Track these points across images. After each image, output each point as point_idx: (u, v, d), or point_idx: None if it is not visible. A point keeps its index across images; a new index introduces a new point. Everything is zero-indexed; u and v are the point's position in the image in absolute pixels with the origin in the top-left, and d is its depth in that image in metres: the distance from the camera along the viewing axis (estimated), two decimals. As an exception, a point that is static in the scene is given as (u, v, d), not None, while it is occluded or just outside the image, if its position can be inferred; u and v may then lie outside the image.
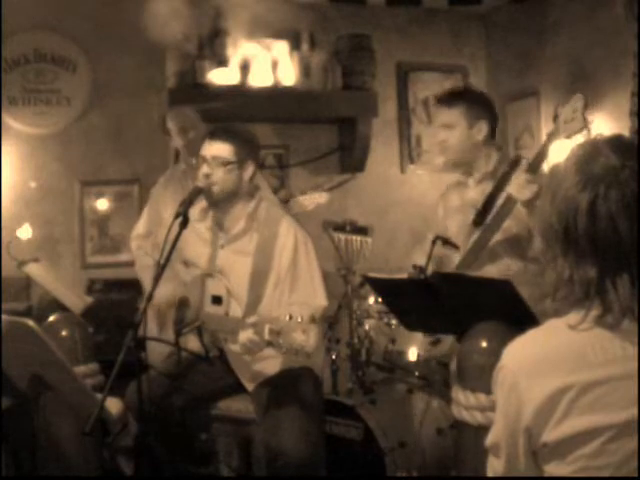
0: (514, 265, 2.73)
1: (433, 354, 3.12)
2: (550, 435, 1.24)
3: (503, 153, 2.95)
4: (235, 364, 2.73)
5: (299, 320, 2.22)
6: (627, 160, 1.25)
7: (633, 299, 1.22)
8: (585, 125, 2.56)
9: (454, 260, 2.86)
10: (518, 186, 2.56)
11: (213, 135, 2.72)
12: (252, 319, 2.41)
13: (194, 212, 2.71)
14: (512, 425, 1.28)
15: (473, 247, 2.75)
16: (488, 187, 2.77)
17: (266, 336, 2.28)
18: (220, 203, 2.73)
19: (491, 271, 2.71)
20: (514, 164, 2.72)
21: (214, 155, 2.66)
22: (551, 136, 2.65)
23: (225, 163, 2.66)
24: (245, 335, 2.39)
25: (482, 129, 2.83)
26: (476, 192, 2.85)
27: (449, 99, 2.89)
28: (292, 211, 3.26)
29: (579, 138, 2.54)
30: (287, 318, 2.24)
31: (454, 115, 2.84)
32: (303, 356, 2.26)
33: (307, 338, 2.20)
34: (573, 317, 1.27)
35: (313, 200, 3.09)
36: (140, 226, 3.55)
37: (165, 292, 2.64)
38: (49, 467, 2.30)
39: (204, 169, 2.66)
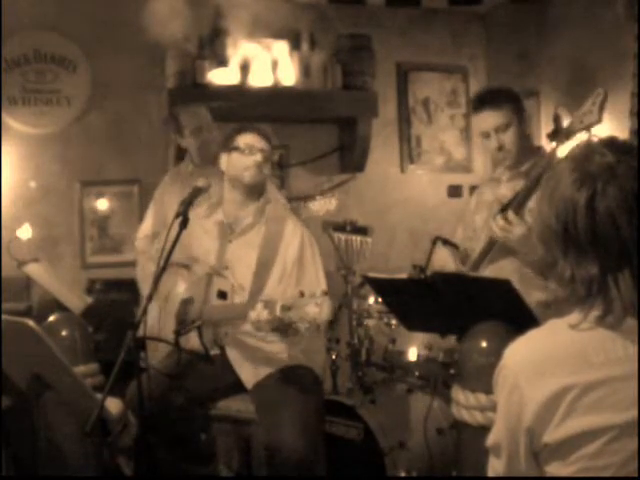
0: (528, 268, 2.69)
1: (441, 347, 3.10)
2: (551, 435, 1.24)
3: (542, 151, 2.83)
4: (235, 362, 2.73)
5: (311, 295, 2.23)
6: (622, 156, 1.25)
7: (635, 295, 1.22)
8: (599, 119, 2.52)
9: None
10: (502, 228, 2.56)
11: (246, 129, 2.87)
12: (263, 298, 2.42)
13: (202, 208, 2.81)
14: (513, 425, 1.28)
15: (488, 242, 2.71)
16: (519, 186, 2.68)
17: (277, 312, 2.28)
18: (254, 191, 2.85)
19: (506, 268, 2.66)
20: (547, 166, 2.60)
21: (260, 147, 2.80)
22: (566, 131, 2.61)
23: (266, 151, 2.81)
24: (256, 313, 2.38)
25: (528, 122, 2.77)
26: (507, 189, 2.78)
27: (493, 100, 2.75)
28: (301, 217, 3.27)
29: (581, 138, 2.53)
30: (299, 295, 2.25)
31: (505, 115, 2.72)
32: (314, 328, 2.26)
33: (320, 310, 2.21)
34: (574, 317, 1.27)
35: (323, 207, 3.10)
36: (146, 227, 3.54)
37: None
38: (49, 467, 2.29)
39: (257, 157, 2.78)
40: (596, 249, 1.24)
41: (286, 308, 2.26)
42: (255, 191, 2.86)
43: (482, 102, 2.79)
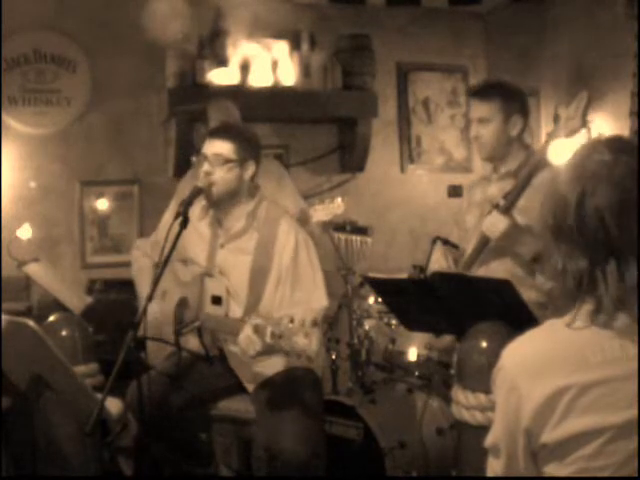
0: (518, 269, 2.70)
1: (436, 346, 3.11)
2: (549, 436, 1.24)
3: (530, 152, 2.83)
4: (235, 364, 2.73)
5: (301, 324, 2.21)
6: (621, 155, 1.26)
7: (623, 291, 1.22)
8: (583, 124, 2.54)
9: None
10: (490, 224, 2.60)
11: (214, 133, 2.73)
12: (254, 320, 2.40)
13: (195, 210, 2.71)
14: (511, 426, 1.28)
15: (478, 243, 2.73)
16: (508, 185, 2.72)
17: (268, 339, 2.28)
18: (220, 203, 2.72)
19: (497, 269, 2.67)
20: (537, 166, 2.65)
21: (215, 153, 2.65)
22: (551, 134, 2.64)
23: (225, 161, 2.64)
24: (245, 335, 2.39)
25: (517, 124, 2.76)
26: (497, 188, 2.80)
27: (484, 92, 2.80)
28: (309, 220, 3.26)
29: (582, 139, 2.54)
30: (289, 322, 2.23)
31: (490, 109, 2.75)
32: (305, 360, 2.26)
33: (309, 342, 2.19)
34: (569, 316, 1.27)
35: (331, 210, 3.09)
36: (166, 219, 3.53)
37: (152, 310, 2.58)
38: (49, 467, 2.29)
39: (205, 167, 2.65)
40: (585, 245, 1.25)
41: (276, 336, 2.25)
42: (227, 202, 2.71)
43: (475, 92, 2.86)
